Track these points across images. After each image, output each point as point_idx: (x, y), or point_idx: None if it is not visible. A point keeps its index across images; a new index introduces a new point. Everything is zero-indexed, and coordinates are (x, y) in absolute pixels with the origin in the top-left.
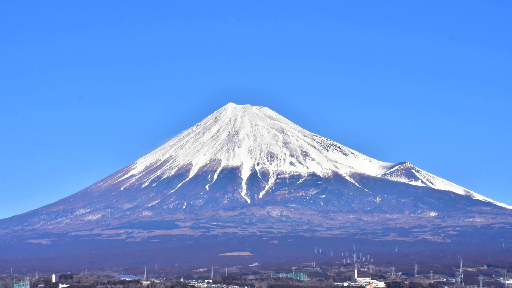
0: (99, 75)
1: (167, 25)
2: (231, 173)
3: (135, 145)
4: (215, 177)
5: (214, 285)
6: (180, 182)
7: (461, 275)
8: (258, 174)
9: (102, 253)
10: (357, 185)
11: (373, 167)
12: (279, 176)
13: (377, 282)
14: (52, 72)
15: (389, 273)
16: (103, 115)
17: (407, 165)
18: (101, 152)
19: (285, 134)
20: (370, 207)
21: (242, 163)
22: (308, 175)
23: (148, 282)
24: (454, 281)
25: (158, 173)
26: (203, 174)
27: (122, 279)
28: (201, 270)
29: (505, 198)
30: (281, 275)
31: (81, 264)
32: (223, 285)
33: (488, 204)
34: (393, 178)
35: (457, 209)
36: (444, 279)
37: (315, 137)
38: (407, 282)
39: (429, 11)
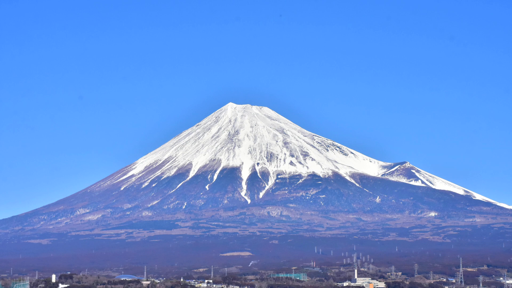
0: (99, 76)
1: (167, 26)
2: (231, 173)
3: (135, 145)
4: (215, 177)
5: (214, 285)
6: (180, 182)
7: (461, 275)
8: (258, 174)
9: (102, 253)
10: (357, 185)
11: (373, 167)
12: (279, 176)
13: (377, 282)
14: (52, 73)
15: (389, 273)
16: (103, 115)
17: (407, 165)
18: (101, 152)
19: (285, 134)
20: (370, 207)
21: (242, 163)
22: (308, 175)
23: (148, 282)
24: (454, 281)
25: (158, 173)
26: (203, 174)
27: (122, 279)
28: (201, 270)
29: (505, 198)
30: (281, 275)
31: (81, 264)
32: (223, 285)
33: (488, 204)
34: (393, 178)
35: (457, 209)
36: (444, 279)
37: (315, 137)
38: (407, 282)
39: (429, 11)
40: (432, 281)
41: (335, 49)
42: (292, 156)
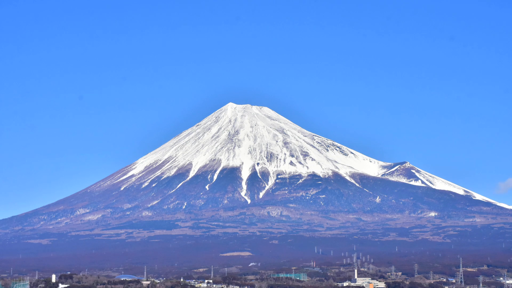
0: (99, 76)
1: (167, 26)
2: (231, 173)
3: (135, 145)
4: (215, 177)
5: (214, 285)
6: (180, 182)
7: (461, 275)
8: (258, 174)
9: (102, 253)
10: (357, 185)
11: (373, 167)
12: (279, 176)
13: (377, 282)
14: (52, 73)
15: (389, 273)
16: (103, 115)
17: (407, 165)
18: (101, 152)
19: (285, 134)
20: (370, 207)
21: (242, 163)
22: (308, 175)
23: (148, 282)
24: (454, 281)
25: (158, 173)
26: (203, 174)
27: (122, 279)
28: (201, 270)
29: (505, 198)
30: (281, 275)
31: (81, 264)
32: (223, 285)
33: (488, 204)
34: (393, 178)
35: (457, 209)
36: (444, 279)
37: (315, 137)
38: (407, 282)
39: (429, 11)
40: (432, 281)
41: (335, 49)
42: (292, 156)
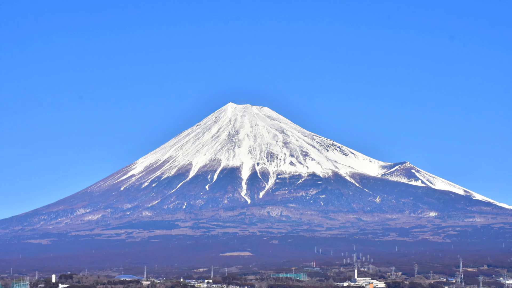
0: (99, 76)
1: (167, 25)
2: (231, 173)
3: (135, 145)
4: (215, 177)
5: (214, 285)
6: (180, 182)
7: (461, 275)
8: (258, 174)
9: (102, 253)
10: (357, 185)
11: (373, 167)
12: (279, 176)
13: (377, 282)
14: (52, 73)
15: (389, 273)
16: (103, 115)
17: (407, 165)
18: (101, 152)
19: (285, 134)
20: (370, 207)
21: (242, 163)
22: (308, 175)
23: (148, 282)
24: (454, 281)
25: (158, 173)
26: (203, 174)
27: (122, 279)
28: (201, 270)
29: (505, 198)
30: (281, 275)
31: (81, 264)
32: (223, 285)
33: (488, 204)
34: (393, 178)
35: (457, 209)
36: (444, 279)
37: (315, 137)
38: (407, 282)
39: (429, 11)
40: (432, 281)
41: (336, 49)
42: (292, 156)
